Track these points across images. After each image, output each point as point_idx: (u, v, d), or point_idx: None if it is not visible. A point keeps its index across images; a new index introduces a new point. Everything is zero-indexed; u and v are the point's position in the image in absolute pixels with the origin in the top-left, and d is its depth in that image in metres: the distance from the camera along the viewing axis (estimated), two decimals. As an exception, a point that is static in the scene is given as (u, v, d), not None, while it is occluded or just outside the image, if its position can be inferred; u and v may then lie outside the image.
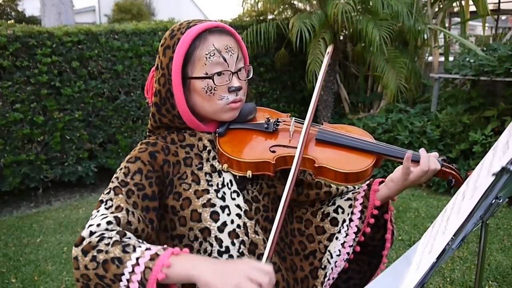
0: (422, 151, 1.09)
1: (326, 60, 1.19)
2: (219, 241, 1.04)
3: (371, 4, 5.52)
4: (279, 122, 1.16)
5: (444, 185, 4.44)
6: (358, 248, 1.18)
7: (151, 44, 5.28)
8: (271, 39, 5.86)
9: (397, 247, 3.37)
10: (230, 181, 1.09)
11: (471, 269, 3.05)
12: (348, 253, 1.17)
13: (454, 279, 2.95)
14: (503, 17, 12.35)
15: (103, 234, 0.86)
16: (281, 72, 6.49)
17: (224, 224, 1.05)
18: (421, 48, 6.52)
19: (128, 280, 0.81)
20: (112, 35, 5.07)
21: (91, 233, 0.87)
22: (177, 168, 1.07)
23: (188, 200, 1.04)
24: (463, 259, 3.19)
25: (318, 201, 1.24)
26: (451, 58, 6.63)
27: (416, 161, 1.07)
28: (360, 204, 1.16)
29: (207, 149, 1.11)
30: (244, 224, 1.07)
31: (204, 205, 1.04)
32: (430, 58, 6.86)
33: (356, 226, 1.16)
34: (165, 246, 0.86)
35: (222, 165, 1.09)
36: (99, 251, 0.83)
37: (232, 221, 1.06)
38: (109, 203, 0.94)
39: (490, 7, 6.73)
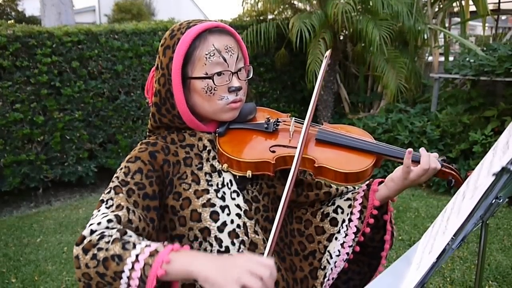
0: (422, 150, 1.09)
1: (324, 64, 1.20)
2: (219, 241, 1.04)
3: (371, 4, 5.52)
4: (279, 122, 1.16)
5: (444, 185, 4.44)
6: (358, 248, 1.18)
7: (151, 44, 5.28)
8: (271, 39, 5.86)
9: (397, 247, 3.37)
10: (230, 181, 1.09)
11: (471, 269, 3.05)
12: (347, 253, 1.17)
13: (454, 279, 2.95)
14: (503, 17, 12.35)
15: (104, 232, 0.86)
16: (281, 72, 6.49)
17: (224, 224, 1.05)
18: (421, 48, 6.52)
19: (128, 277, 0.81)
20: (112, 35, 5.07)
21: (92, 232, 0.87)
22: (177, 168, 1.07)
23: (188, 200, 1.04)
24: (463, 259, 3.19)
25: (317, 201, 1.24)
26: (451, 58, 6.63)
27: (416, 161, 1.07)
28: (359, 204, 1.17)
29: (207, 149, 1.11)
30: (244, 224, 1.07)
31: (204, 205, 1.04)
32: (430, 58, 6.86)
33: (356, 226, 1.16)
34: (165, 243, 0.85)
35: (222, 165, 1.09)
36: (99, 249, 0.83)
37: (232, 221, 1.05)
38: (110, 202, 0.94)
39: (490, 7, 6.73)
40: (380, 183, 1.16)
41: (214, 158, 1.10)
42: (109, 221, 0.89)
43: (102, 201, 0.95)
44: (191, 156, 1.09)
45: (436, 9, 6.54)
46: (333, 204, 1.22)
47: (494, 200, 0.76)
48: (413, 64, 5.96)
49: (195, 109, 1.09)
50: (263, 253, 0.96)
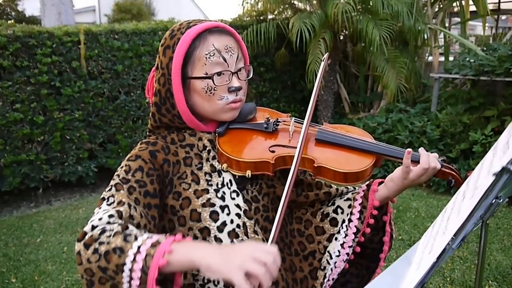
0: (421, 150, 1.09)
1: (322, 66, 1.20)
2: (219, 241, 1.04)
3: (371, 4, 5.52)
4: (279, 122, 1.16)
5: (444, 185, 4.44)
6: (358, 249, 1.18)
7: (151, 44, 5.28)
8: (271, 39, 5.86)
9: (397, 247, 3.37)
10: (230, 181, 1.09)
11: (471, 269, 3.05)
12: (347, 254, 1.17)
13: (454, 279, 2.95)
14: (503, 17, 12.35)
15: (105, 227, 0.86)
16: (281, 72, 6.49)
17: (224, 223, 1.05)
18: (421, 48, 6.51)
19: (130, 270, 0.80)
20: (112, 35, 5.06)
21: (93, 227, 0.86)
22: (177, 167, 1.07)
23: (188, 199, 1.04)
24: (463, 259, 3.19)
25: (317, 201, 1.24)
26: (451, 58, 6.62)
27: (416, 161, 1.07)
28: (359, 204, 1.16)
29: (207, 149, 1.11)
30: (244, 223, 1.07)
31: (203, 205, 1.04)
32: (430, 58, 6.86)
33: (356, 226, 1.16)
34: (167, 234, 0.85)
35: (221, 165, 1.09)
36: (101, 243, 0.83)
37: (232, 221, 1.05)
38: (111, 199, 0.94)
39: (490, 7, 6.73)
40: (380, 183, 1.16)
41: (214, 158, 1.10)
42: (111, 216, 0.88)
43: (103, 198, 0.95)
44: (191, 156, 1.09)
45: (436, 9, 6.54)
46: (333, 204, 1.21)
47: (494, 200, 0.76)
48: (413, 64, 5.96)
49: (195, 109, 1.09)
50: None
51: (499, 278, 2.93)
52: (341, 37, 6.32)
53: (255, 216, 1.09)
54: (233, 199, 1.07)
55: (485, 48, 5.31)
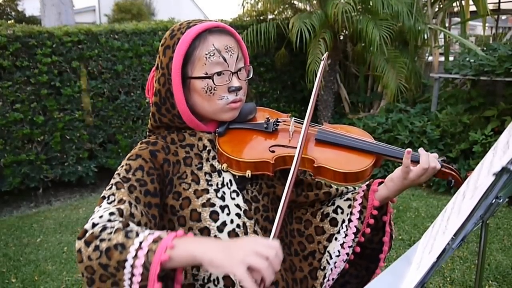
0: (421, 150, 1.09)
1: (321, 66, 1.20)
2: (219, 241, 1.04)
3: (371, 4, 5.52)
4: (279, 122, 1.16)
5: (444, 185, 4.44)
6: (358, 249, 1.18)
7: (151, 44, 5.28)
8: (271, 39, 5.86)
9: (397, 247, 3.37)
10: (230, 180, 1.09)
11: (471, 269, 3.05)
12: (347, 254, 1.17)
13: (454, 279, 2.95)
14: (503, 17, 12.35)
15: (106, 224, 0.85)
16: (281, 72, 6.49)
17: (224, 223, 1.05)
18: (421, 48, 6.52)
19: (132, 266, 0.80)
20: (112, 35, 5.07)
21: (94, 225, 0.86)
22: (177, 167, 1.07)
23: (188, 199, 1.04)
24: (463, 259, 3.19)
25: (317, 201, 1.24)
26: (451, 58, 6.62)
27: (415, 161, 1.07)
28: (359, 204, 1.16)
29: (207, 148, 1.11)
30: (244, 223, 1.07)
31: (203, 205, 1.04)
32: (430, 58, 6.86)
33: (355, 226, 1.16)
34: (168, 230, 0.85)
35: (221, 165, 1.09)
36: (102, 240, 0.82)
37: (232, 221, 1.05)
38: (112, 198, 0.94)
39: (490, 7, 6.73)
40: (380, 183, 1.16)
41: (214, 158, 1.10)
42: (111, 214, 0.88)
43: (104, 197, 0.95)
44: (191, 156, 1.09)
45: (436, 9, 6.54)
46: (333, 204, 1.21)
47: (494, 200, 0.76)
48: (413, 64, 5.96)
49: (195, 109, 1.09)
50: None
51: (499, 278, 2.93)
52: (341, 37, 6.32)
53: (255, 216, 1.09)
54: (233, 199, 1.07)
55: (485, 48, 5.31)
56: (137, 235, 0.82)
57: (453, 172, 1.10)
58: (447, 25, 7.19)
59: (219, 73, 1.05)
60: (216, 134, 1.12)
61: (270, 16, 6.46)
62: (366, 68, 6.53)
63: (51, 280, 3.20)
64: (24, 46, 4.53)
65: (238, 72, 1.09)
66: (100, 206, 0.92)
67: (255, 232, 1.07)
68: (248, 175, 1.07)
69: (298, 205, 1.24)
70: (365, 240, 1.17)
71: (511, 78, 4.59)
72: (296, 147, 1.06)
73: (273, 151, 1.09)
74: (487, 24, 7.73)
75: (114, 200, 0.93)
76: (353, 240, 1.17)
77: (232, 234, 1.05)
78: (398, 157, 1.09)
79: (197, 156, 1.10)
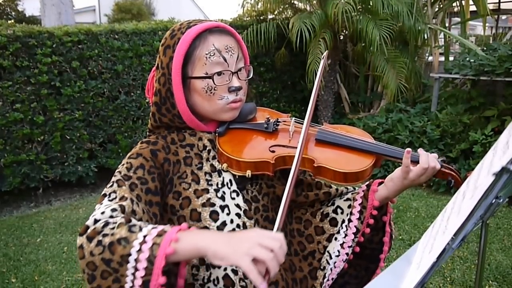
0: (420, 150, 1.09)
1: (321, 65, 1.20)
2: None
3: (371, 4, 5.52)
4: (279, 122, 1.16)
5: (444, 184, 4.44)
6: (357, 249, 1.18)
7: (151, 44, 5.27)
8: (271, 39, 5.86)
9: (397, 247, 3.37)
10: (230, 180, 1.09)
11: (471, 269, 3.05)
12: (347, 254, 1.17)
13: (454, 279, 2.95)
14: (503, 17, 12.34)
15: (108, 220, 0.85)
16: (281, 72, 6.49)
17: (224, 223, 1.05)
18: (421, 48, 6.52)
19: (136, 260, 0.79)
20: (112, 35, 5.06)
21: (96, 221, 0.85)
22: (177, 167, 1.07)
23: (188, 199, 1.04)
24: (463, 259, 3.19)
25: (317, 201, 1.24)
26: (451, 58, 6.63)
27: (415, 161, 1.07)
28: (359, 204, 1.16)
29: (207, 148, 1.11)
30: (244, 223, 1.07)
31: (203, 205, 1.04)
32: (430, 58, 6.86)
33: (355, 226, 1.16)
34: (171, 224, 0.84)
35: (221, 165, 1.09)
36: (105, 235, 0.82)
37: (232, 221, 1.06)
38: (113, 195, 0.93)
39: (490, 7, 6.74)
40: (380, 183, 1.16)
41: (214, 157, 1.10)
42: (113, 210, 0.88)
43: (105, 195, 0.94)
44: (191, 156, 1.09)
45: (436, 9, 6.54)
46: (333, 204, 1.21)
47: (494, 200, 0.76)
48: (413, 64, 5.96)
49: (195, 109, 1.09)
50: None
51: (499, 278, 2.93)
52: (341, 37, 6.32)
53: (255, 216, 1.09)
54: (233, 199, 1.07)
55: (485, 48, 5.31)
56: (141, 229, 0.82)
57: (452, 172, 1.10)
58: (447, 25, 7.19)
59: (219, 73, 1.05)
60: (216, 134, 1.12)
61: (270, 16, 6.46)
62: (366, 68, 6.53)
63: (51, 280, 3.20)
64: (24, 46, 4.53)
65: (238, 72, 1.09)
66: (101, 204, 0.92)
67: (255, 232, 1.07)
68: (248, 175, 1.07)
69: (298, 205, 1.24)
70: (365, 240, 1.17)
71: (511, 78, 4.59)
72: (296, 147, 1.05)
73: (273, 151, 1.09)
74: (487, 24, 7.73)
75: (116, 197, 0.93)
76: (353, 240, 1.17)
77: (232, 234, 1.05)
78: (398, 157, 1.09)
79: (197, 156, 1.10)
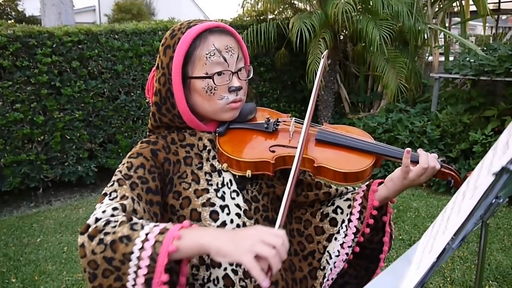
0: (420, 150, 1.09)
1: (321, 64, 1.20)
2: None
3: (371, 4, 5.53)
4: (279, 122, 1.16)
5: (445, 185, 4.44)
6: (357, 249, 1.18)
7: (151, 44, 5.28)
8: (271, 39, 5.86)
9: (397, 247, 3.37)
10: (230, 180, 1.09)
11: (471, 269, 3.05)
12: (347, 254, 1.17)
13: (454, 279, 2.95)
14: (503, 17, 12.34)
15: (109, 219, 0.84)
16: (281, 72, 6.49)
17: (224, 223, 1.05)
18: (421, 48, 6.52)
19: (138, 258, 0.79)
20: (112, 35, 5.06)
21: (97, 219, 0.85)
22: (177, 167, 1.07)
23: (188, 199, 1.04)
24: (463, 259, 3.19)
25: (317, 201, 1.24)
26: (451, 58, 6.63)
27: (415, 161, 1.07)
28: (359, 204, 1.16)
29: (207, 148, 1.11)
30: (244, 223, 1.07)
31: (203, 205, 1.04)
32: (430, 58, 6.86)
33: (355, 226, 1.16)
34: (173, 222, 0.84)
35: (222, 165, 1.09)
36: (106, 234, 0.81)
37: (232, 221, 1.06)
38: (114, 194, 0.93)
39: (490, 7, 6.74)
40: (380, 183, 1.16)
41: (214, 157, 1.10)
42: (114, 208, 0.87)
43: (105, 194, 0.94)
44: (191, 156, 1.09)
45: (436, 9, 6.54)
46: (333, 204, 1.21)
47: (494, 200, 0.76)
48: (413, 64, 5.96)
49: (195, 109, 1.09)
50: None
51: (499, 278, 2.93)
52: (341, 37, 6.32)
53: (255, 216, 1.09)
54: (233, 199, 1.07)
55: (485, 48, 5.31)
56: (142, 227, 0.82)
57: (452, 173, 1.10)
58: (447, 25, 7.19)
59: (219, 73, 1.05)
60: (216, 134, 1.12)
61: (270, 16, 6.47)
62: (366, 68, 6.53)
63: (51, 280, 3.20)
64: (24, 46, 4.53)
65: (239, 72, 1.09)
66: (102, 203, 0.92)
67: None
68: (248, 175, 1.07)
69: (298, 205, 1.24)
70: (365, 240, 1.17)
71: (511, 78, 4.59)
72: (296, 147, 1.05)
73: (273, 151, 1.09)
74: (487, 24, 7.73)
75: (117, 196, 0.93)
76: (353, 240, 1.17)
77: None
78: (398, 157, 1.09)
79: (197, 155, 1.10)
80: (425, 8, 6.22)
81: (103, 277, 0.81)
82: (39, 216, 4.46)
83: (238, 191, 1.09)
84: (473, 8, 6.70)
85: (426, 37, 6.18)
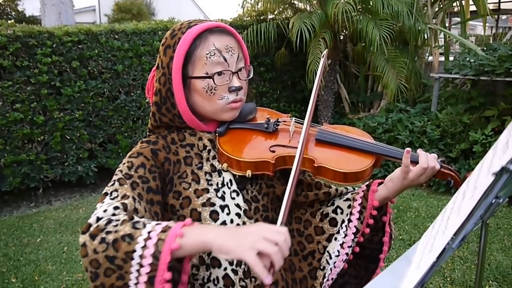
0: (420, 150, 1.09)
1: (321, 63, 1.20)
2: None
3: (371, 4, 5.53)
4: (279, 122, 1.16)
5: (445, 185, 4.44)
6: (357, 249, 1.18)
7: (151, 44, 5.28)
8: (271, 39, 5.86)
9: (397, 247, 3.37)
10: (230, 180, 1.09)
11: (471, 269, 3.05)
12: (347, 254, 1.17)
13: (454, 279, 2.95)
14: (503, 17, 12.35)
15: (111, 218, 0.84)
16: (281, 72, 6.49)
17: (224, 223, 1.04)
18: (421, 48, 6.52)
19: (140, 256, 0.79)
20: (112, 35, 5.07)
21: (98, 219, 0.85)
22: (178, 167, 1.07)
23: (188, 199, 1.04)
24: (463, 259, 3.19)
25: (317, 201, 1.24)
26: (451, 58, 6.63)
27: (415, 162, 1.07)
28: (359, 204, 1.17)
29: (207, 148, 1.11)
30: (244, 223, 1.07)
31: (203, 204, 1.04)
32: (430, 58, 6.86)
33: (355, 226, 1.16)
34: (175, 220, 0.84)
35: (222, 165, 1.09)
36: (108, 232, 0.81)
37: (232, 221, 1.06)
38: (115, 193, 0.93)
39: (490, 7, 6.74)
40: (380, 183, 1.16)
41: (214, 157, 1.10)
42: (116, 208, 0.87)
43: (106, 193, 0.94)
44: (191, 156, 1.09)
45: (436, 9, 6.54)
46: (333, 204, 1.22)
47: (494, 200, 0.76)
48: (413, 64, 5.96)
49: (195, 109, 1.09)
50: None
51: (499, 278, 2.93)
52: (341, 37, 6.32)
53: (255, 216, 1.09)
54: (233, 198, 1.08)
55: (485, 48, 5.31)
56: (145, 225, 0.82)
57: (452, 173, 1.10)
58: (447, 25, 7.19)
59: (219, 73, 1.05)
60: (217, 134, 1.12)
61: (270, 16, 6.47)
62: (366, 68, 6.53)
63: (51, 280, 3.20)
64: (24, 46, 4.53)
65: (239, 72, 1.09)
66: (103, 202, 0.91)
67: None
68: (249, 175, 1.07)
69: (298, 205, 1.24)
70: (365, 240, 1.17)
71: (511, 78, 4.60)
72: (296, 147, 1.06)
73: (273, 151, 1.09)
74: (487, 24, 7.73)
75: (117, 195, 0.93)
76: (353, 240, 1.17)
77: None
78: (398, 157, 1.09)
79: (197, 155, 1.10)
80: (425, 8, 6.23)
81: (105, 276, 0.81)
82: (39, 216, 4.46)
83: (238, 191, 1.09)
84: (473, 8, 6.70)
85: (426, 37, 6.19)
